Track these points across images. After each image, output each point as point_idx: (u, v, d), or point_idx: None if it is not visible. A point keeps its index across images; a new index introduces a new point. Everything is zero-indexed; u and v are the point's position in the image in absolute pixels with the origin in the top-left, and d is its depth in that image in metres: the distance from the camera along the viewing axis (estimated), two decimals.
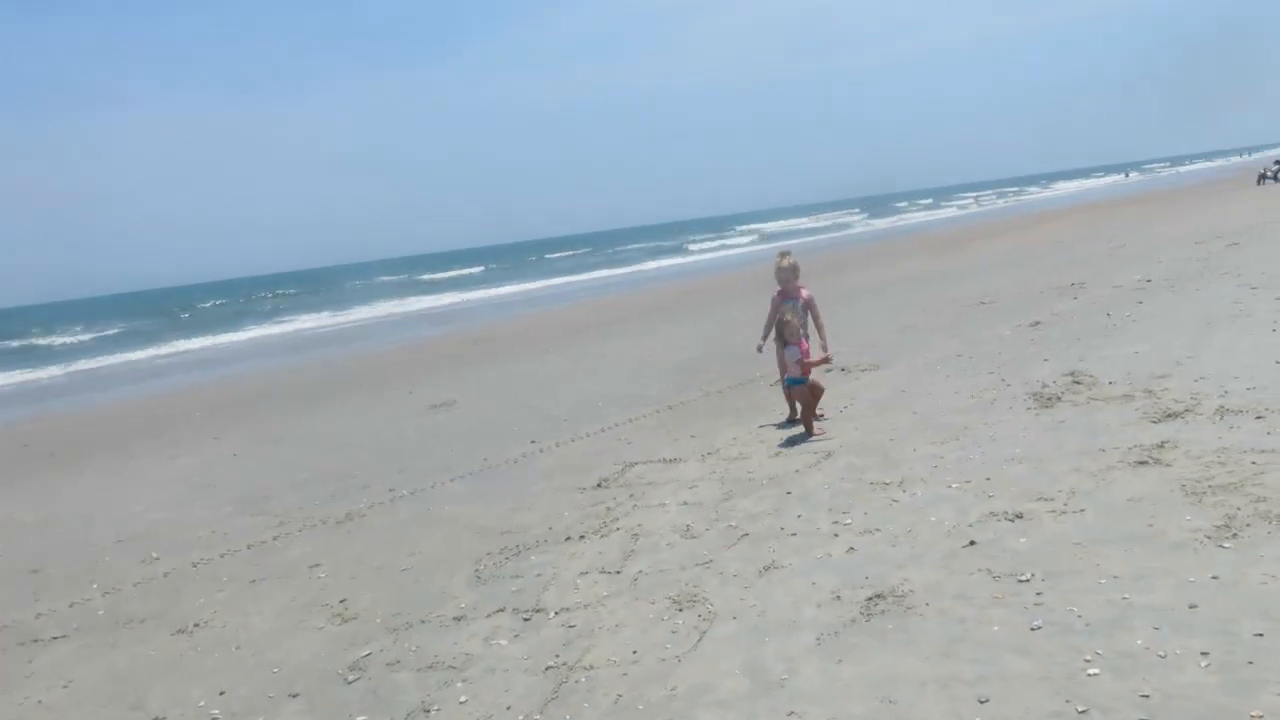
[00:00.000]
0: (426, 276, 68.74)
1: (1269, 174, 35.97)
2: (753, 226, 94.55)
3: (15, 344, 45.04)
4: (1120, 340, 9.14)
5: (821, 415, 8.00)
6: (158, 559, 7.11)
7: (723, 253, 58.56)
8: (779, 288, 8.55)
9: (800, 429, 7.78)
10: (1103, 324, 10.23)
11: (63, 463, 11.80)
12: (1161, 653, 3.39)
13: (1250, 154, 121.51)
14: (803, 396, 7.77)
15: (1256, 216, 20.90)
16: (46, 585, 6.86)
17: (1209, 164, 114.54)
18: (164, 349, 34.48)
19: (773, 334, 8.16)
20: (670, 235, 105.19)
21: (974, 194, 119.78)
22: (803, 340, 7.80)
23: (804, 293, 8.46)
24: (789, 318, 7.81)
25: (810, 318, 8.34)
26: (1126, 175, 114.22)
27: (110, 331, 46.77)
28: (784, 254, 8.72)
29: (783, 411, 8.48)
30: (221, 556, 6.93)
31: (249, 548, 7.05)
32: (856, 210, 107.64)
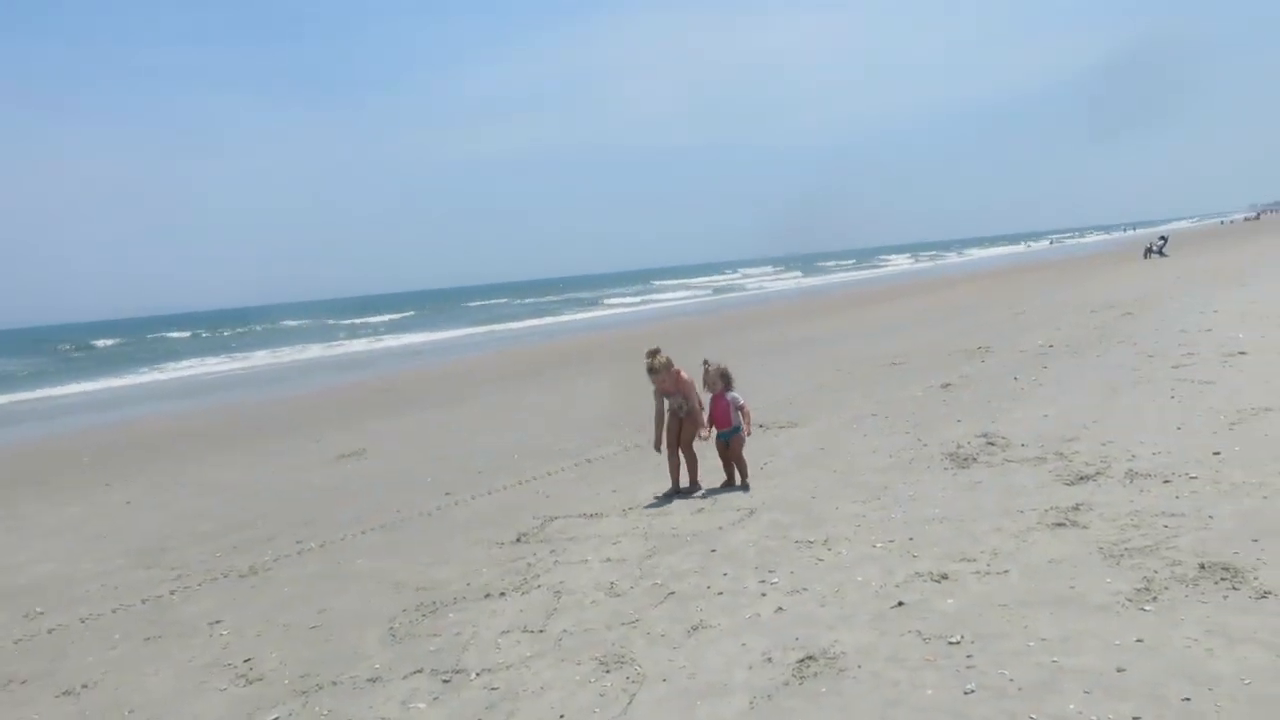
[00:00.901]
0: (333, 322, 67.35)
1: (1154, 249, 37.98)
2: (675, 281, 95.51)
3: None
4: (1029, 403, 9.41)
5: (748, 486, 7.72)
6: (42, 614, 6.65)
7: (643, 307, 58.91)
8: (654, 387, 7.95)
9: (691, 486, 7.91)
10: (1011, 387, 10.53)
11: None
12: (1095, 716, 3.41)
13: (1132, 229, 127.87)
14: (734, 453, 7.80)
15: (1146, 287, 21.96)
16: None
17: (1104, 236, 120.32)
18: (53, 390, 32.86)
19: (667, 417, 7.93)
20: (588, 288, 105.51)
21: (895, 255, 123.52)
22: (721, 399, 7.80)
23: (682, 377, 7.87)
24: (675, 406, 7.87)
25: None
26: (1027, 245, 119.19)
27: None
28: (652, 353, 7.92)
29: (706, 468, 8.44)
30: (113, 612, 6.51)
31: (143, 602, 6.65)
32: (779, 267, 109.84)
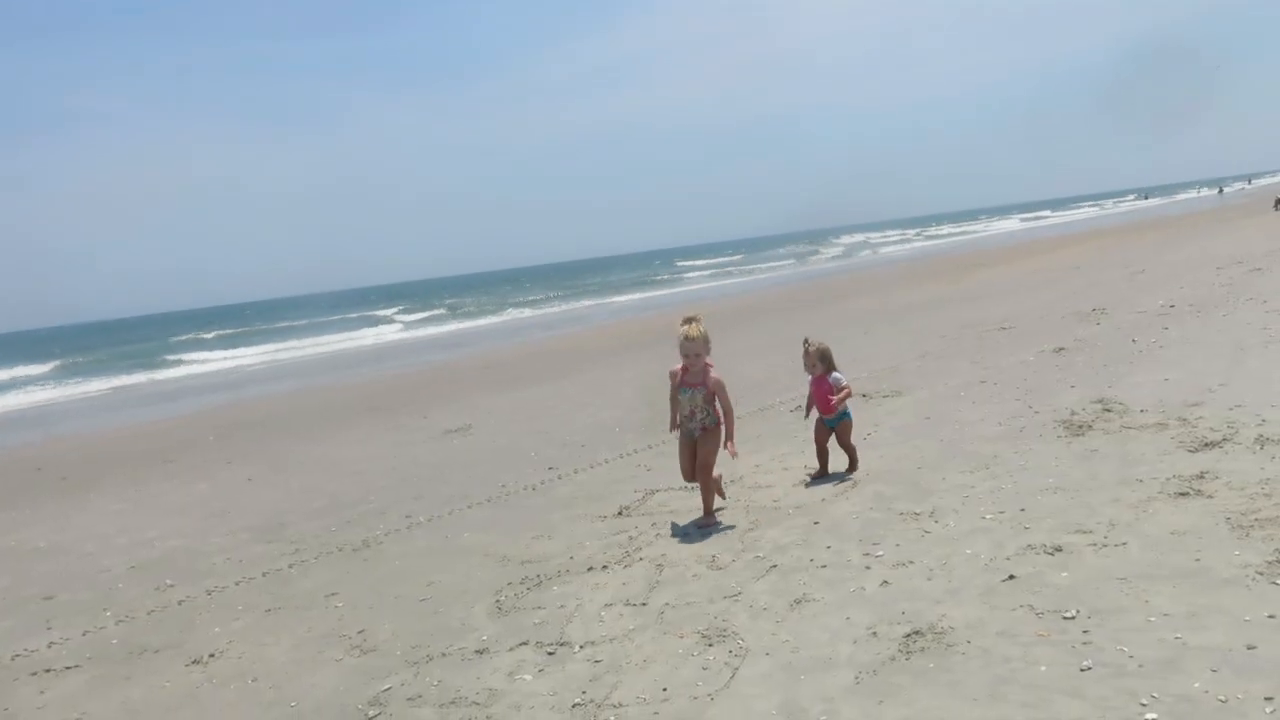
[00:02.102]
0: (433, 301, 68.82)
1: None
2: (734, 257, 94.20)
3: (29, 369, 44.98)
4: (1149, 367, 8.99)
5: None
6: (172, 586, 7.00)
7: (721, 281, 58.47)
8: (680, 365, 6.51)
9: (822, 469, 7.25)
10: (1129, 350, 10.08)
11: (75, 488, 11.71)
12: (1222, 696, 3.24)
13: (1220, 186, 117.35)
14: (842, 440, 7.18)
15: (1272, 243, 20.73)
16: (59, 613, 6.75)
17: (1184, 196, 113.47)
18: (171, 373, 34.56)
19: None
20: (663, 262, 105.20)
21: (999, 218, 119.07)
22: (823, 381, 7.09)
23: (711, 375, 6.50)
24: (688, 410, 6.43)
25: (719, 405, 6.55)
26: (1145, 198, 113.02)
27: (104, 356, 46.55)
28: (691, 320, 6.53)
29: (806, 440, 8.32)
30: (236, 584, 6.81)
31: (264, 575, 6.93)
32: (855, 234, 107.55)
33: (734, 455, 6.44)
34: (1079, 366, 9.65)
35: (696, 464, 6.42)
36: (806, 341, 7.22)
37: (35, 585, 7.60)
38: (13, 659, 5.86)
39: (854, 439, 7.26)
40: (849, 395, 7.15)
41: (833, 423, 7.15)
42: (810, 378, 7.23)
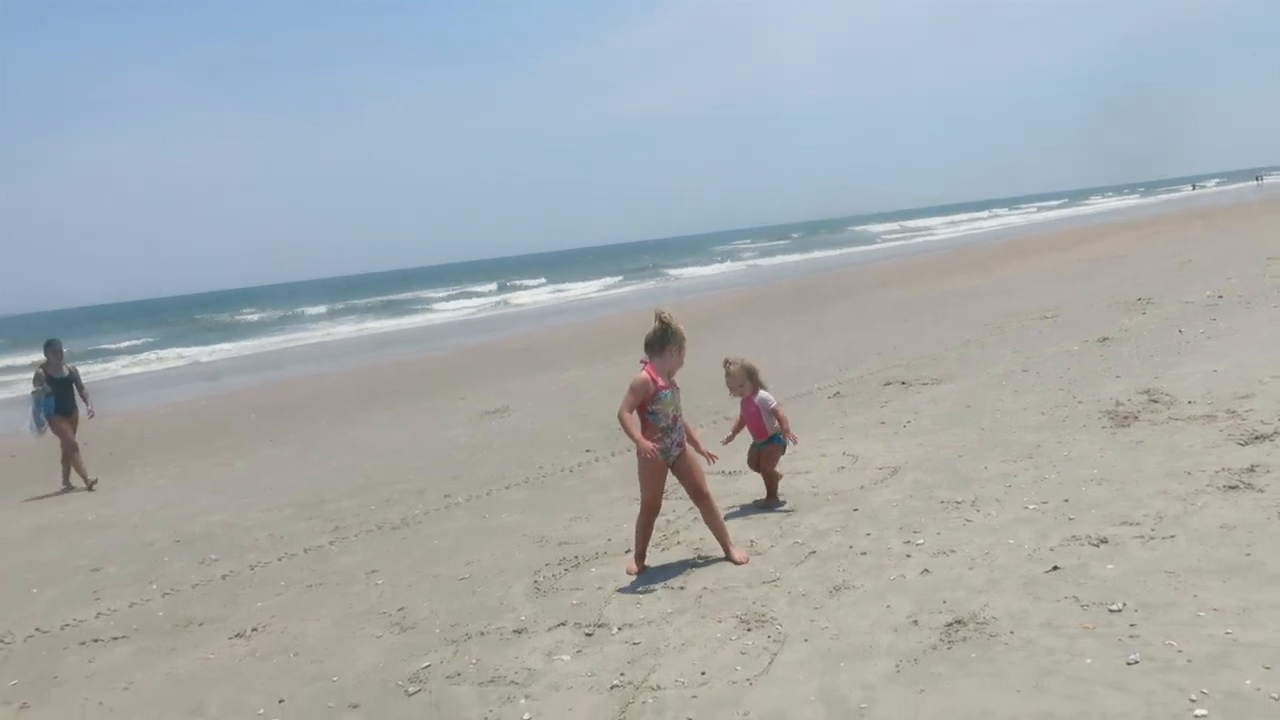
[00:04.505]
0: (471, 286, 69.09)
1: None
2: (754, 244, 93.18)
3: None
4: (1196, 357, 8.82)
5: (781, 502, 6.40)
6: (216, 560, 7.11)
7: (765, 261, 58.22)
8: (647, 369, 5.40)
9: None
10: (1175, 341, 9.90)
11: (120, 463, 11.93)
12: (1275, 694, 3.17)
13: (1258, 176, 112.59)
14: (765, 465, 6.50)
15: None
16: (106, 585, 6.88)
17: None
18: (208, 351, 35.04)
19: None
20: (702, 246, 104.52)
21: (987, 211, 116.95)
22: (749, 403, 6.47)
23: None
24: (670, 419, 5.38)
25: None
26: (1194, 187, 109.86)
27: (148, 338, 47.17)
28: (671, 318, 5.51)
29: (844, 426, 8.26)
30: (279, 560, 6.90)
31: (306, 552, 7.02)
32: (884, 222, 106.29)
33: (794, 440, 6.38)
34: (1124, 357, 9.49)
35: (691, 493, 5.51)
36: (728, 362, 6.45)
37: (84, 557, 7.76)
38: (62, 628, 5.99)
39: (894, 428, 7.11)
40: (784, 415, 6.41)
41: (761, 445, 6.46)
42: (739, 400, 6.52)
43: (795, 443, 6.48)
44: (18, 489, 11.55)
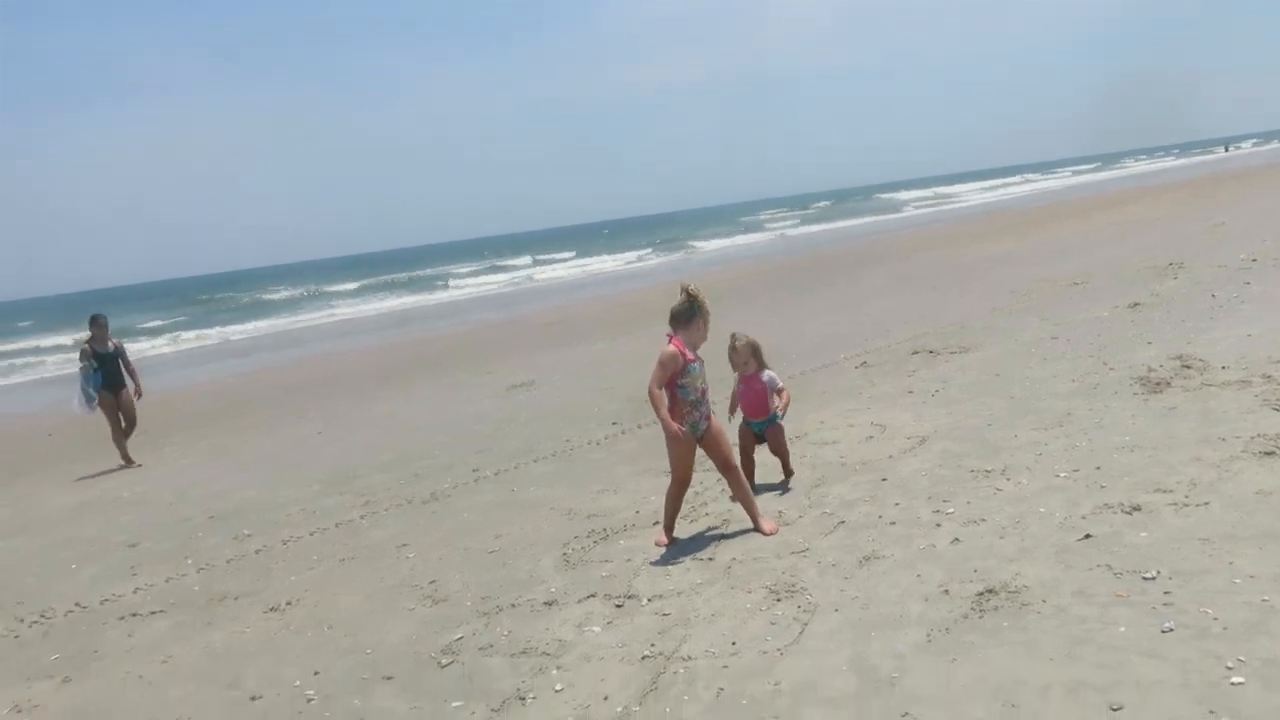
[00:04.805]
0: (497, 261, 69.18)
1: None
2: (795, 212, 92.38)
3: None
4: (1230, 322, 8.69)
5: (789, 485, 6.23)
6: (249, 536, 7.20)
7: (793, 231, 57.86)
8: (674, 343, 5.35)
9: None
10: (1208, 305, 9.75)
11: (152, 441, 12.06)
12: None
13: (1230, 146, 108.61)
14: (774, 444, 6.31)
15: None
16: (143, 560, 6.99)
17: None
18: (235, 331, 35.35)
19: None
20: (730, 217, 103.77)
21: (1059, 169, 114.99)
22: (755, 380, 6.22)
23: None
24: (699, 391, 5.38)
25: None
26: (1227, 149, 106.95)
27: (174, 318, 47.55)
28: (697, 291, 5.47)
29: (871, 396, 8.19)
30: (311, 535, 6.98)
31: (337, 526, 7.09)
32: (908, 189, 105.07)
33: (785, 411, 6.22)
34: (1156, 322, 9.37)
35: (719, 466, 5.53)
36: (734, 337, 6.20)
37: (121, 534, 7.88)
38: (101, 603, 6.10)
39: (922, 397, 7.00)
40: (787, 396, 6.24)
41: (760, 426, 6.25)
42: (739, 376, 6.29)
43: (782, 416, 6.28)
44: (55, 468, 11.74)
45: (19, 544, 8.11)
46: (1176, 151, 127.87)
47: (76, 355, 11.53)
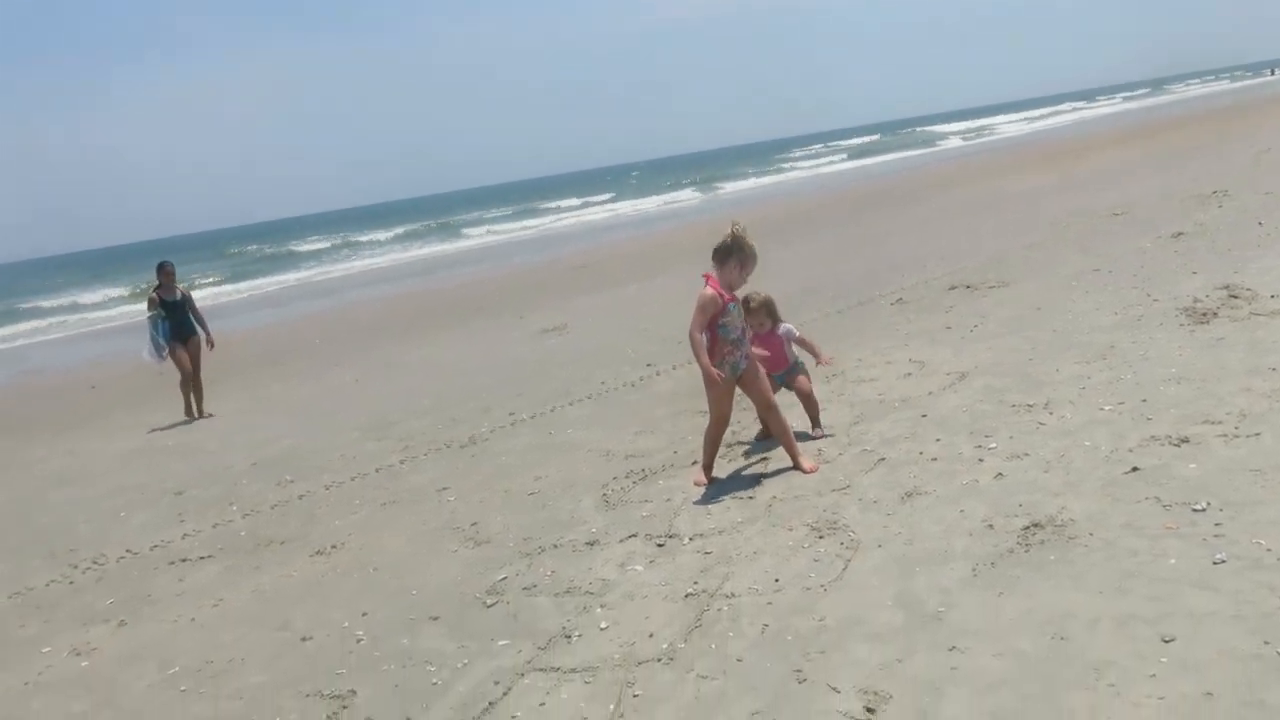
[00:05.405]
0: (525, 205, 68.89)
1: None
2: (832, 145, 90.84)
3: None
4: (1277, 251, 8.47)
5: (823, 433, 5.99)
6: (292, 482, 7.30)
7: (827, 169, 57.08)
8: (712, 284, 5.28)
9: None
10: (1255, 234, 9.50)
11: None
12: None
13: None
14: (801, 391, 6.10)
15: None
16: (190, 507, 7.12)
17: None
18: (266, 281, 35.60)
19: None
20: (765, 155, 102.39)
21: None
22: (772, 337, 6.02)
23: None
24: (737, 332, 5.34)
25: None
26: (1273, 72, 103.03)
27: (212, 272, 47.69)
28: (737, 244, 5.27)
29: (908, 333, 8.11)
30: (352, 480, 7.06)
31: (377, 471, 7.17)
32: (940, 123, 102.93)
33: (829, 361, 6.16)
34: (1200, 252, 9.15)
35: (759, 404, 5.55)
36: (749, 299, 5.84)
37: (167, 481, 8.03)
38: (151, 549, 6.23)
39: (961, 333, 6.83)
40: (810, 340, 6.12)
41: (781, 378, 6.06)
42: (758, 334, 5.97)
43: (829, 363, 6.22)
44: (101, 420, 11.95)
45: (71, 494, 8.29)
46: (1228, 77, 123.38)
47: (144, 304, 11.26)
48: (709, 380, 5.32)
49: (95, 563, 6.14)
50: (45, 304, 37.55)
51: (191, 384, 10.97)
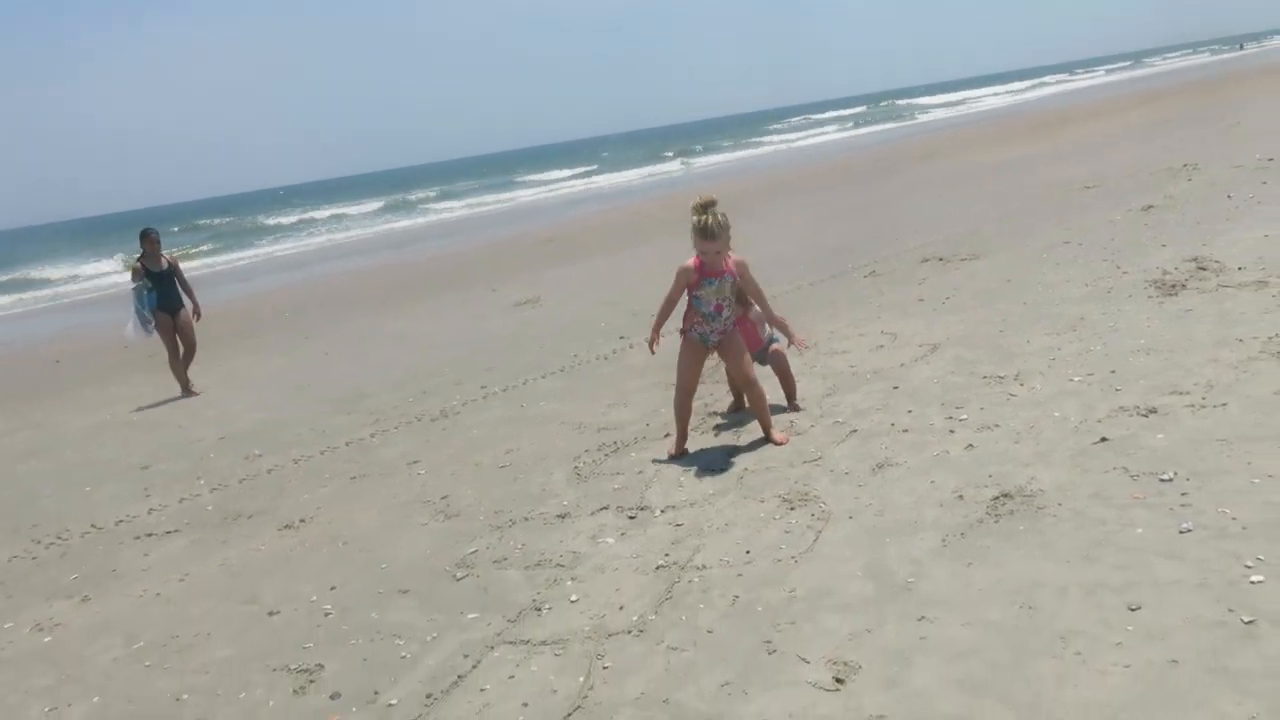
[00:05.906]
0: (502, 177, 68.32)
1: None
2: (823, 115, 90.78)
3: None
4: (1246, 223, 8.53)
5: (799, 407, 5.97)
6: (260, 456, 7.22)
7: (807, 141, 56.99)
8: (694, 258, 5.35)
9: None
10: (1224, 207, 9.57)
11: (161, 365, 12.03)
12: None
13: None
14: (779, 369, 6.12)
15: None
16: (156, 481, 7.03)
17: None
18: (240, 254, 35.15)
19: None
20: (748, 126, 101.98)
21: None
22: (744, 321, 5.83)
23: (732, 260, 5.37)
24: (713, 305, 5.36)
25: (748, 295, 5.56)
26: (1241, 47, 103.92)
27: (184, 243, 47.09)
28: (704, 205, 5.20)
29: (881, 305, 8.12)
30: (321, 453, 6.99)
31: (347, 445, 7.10)
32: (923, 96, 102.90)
33: (806, 346, 5.70)
34: (1170, 225, 9.21)
35: (739, 379, 5.57)
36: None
37: (133, 455, 7.92)
38: (117, 524, 6.14)
39: (934, 304, 6.86)
40: (782, 319, 5.54)
41: (760, 356, 6.04)
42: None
43: (805, 348, 5.84)
44: (66, 394, 11.76)
45: (33, 467, 8.16)
46: (1207, 51, 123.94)
47: (128, 276, 10.56)
48: (683, 342, 5.52)
49: (59, 538, 6.05)
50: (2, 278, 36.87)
51: (183, 361, 10.40)
